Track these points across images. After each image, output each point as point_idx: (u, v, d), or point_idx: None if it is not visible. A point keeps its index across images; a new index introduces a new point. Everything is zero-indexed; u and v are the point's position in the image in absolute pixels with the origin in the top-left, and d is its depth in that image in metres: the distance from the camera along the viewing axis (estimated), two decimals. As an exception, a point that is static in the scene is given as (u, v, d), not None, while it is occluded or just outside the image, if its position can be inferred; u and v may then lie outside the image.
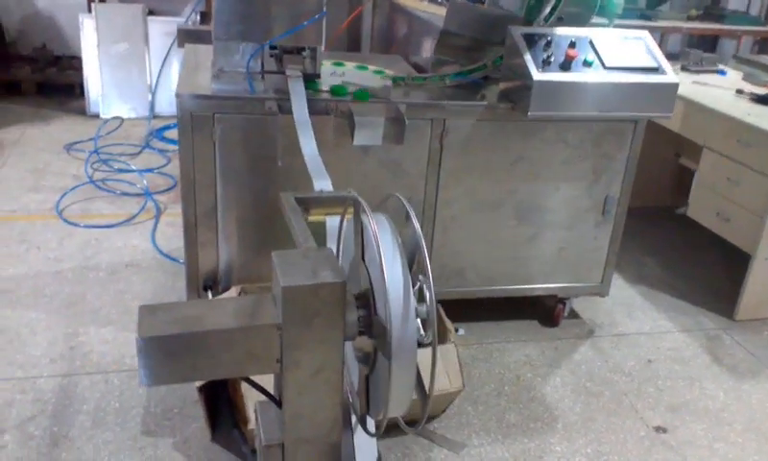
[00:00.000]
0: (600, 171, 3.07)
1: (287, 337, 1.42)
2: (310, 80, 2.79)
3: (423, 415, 1.61)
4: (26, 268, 3.46)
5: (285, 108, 2.62)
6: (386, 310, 1.37)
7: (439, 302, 3.02)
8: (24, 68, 6.17)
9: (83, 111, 5.73)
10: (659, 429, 2.71)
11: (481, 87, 3.02)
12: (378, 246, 1.40)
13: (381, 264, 1.37)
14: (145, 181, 4.42)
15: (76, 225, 3.90)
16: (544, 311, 3.34)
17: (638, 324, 3.42)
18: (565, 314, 3.32)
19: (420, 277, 1.59)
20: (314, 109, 2.62)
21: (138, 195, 4.32)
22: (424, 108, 2.84)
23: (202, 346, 1.39)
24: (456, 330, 3.17)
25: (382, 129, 2.77)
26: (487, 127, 2.91)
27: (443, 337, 2.66)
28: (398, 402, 1.45)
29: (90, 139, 5.05)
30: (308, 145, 2.39)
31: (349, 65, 3.01)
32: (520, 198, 3.05)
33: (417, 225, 1.53)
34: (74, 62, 6.15)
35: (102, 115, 5.64)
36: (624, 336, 3.30)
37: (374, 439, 1.77)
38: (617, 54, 2.80)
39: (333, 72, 2.90)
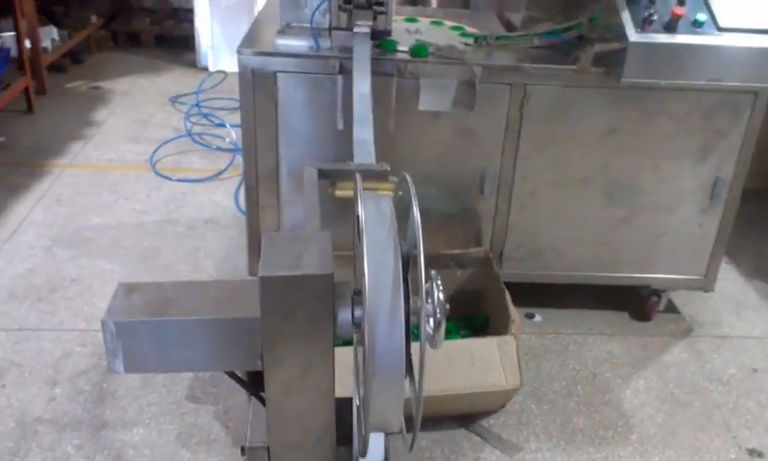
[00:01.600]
0: (709, 149, 2.66)
1: (267, 332, 1.26)
2: (384, 38, 2.58)
3: (416, 419, 1.42)
4: (111, 218, 3.53)
5: (348, 67, 2.43)
6: (363, 310, 1.17)
7: (512, 284, 2.78)
8: (143, 20, 6.34)
9: (193, 64, 5.82)
10: (753, 453, 2.34)
11: (575, 49, 2.67)
12: (362, 232, 1.20)
13: (363, 254, 1.17)
14: (235, 137, 4.39)
15: (166, 178, 3.94)
16: (637, 303, 2.99)
17: (748, 325, 3.00)
18: (660, 308, 2.95)
19: (433, 272, 1.37)
20: (379, 70, 2.42)
21: (230, 150, 4.31)
22: (502, 71, 2.56)
23: (174, 335, 1.27)
24: (531, 317, 2.92)
25: (452, 93, 2.52)
26: (575, 94, 2.59)
27: (502, 327, 2.42)
28: (380, 417, 1.25)
29: (194, 92, 5.10)
30: (361, 103, 2.16)
31: (424, 22, 2.77)
32: (612, 175, 2.71)
33: (416, 212, 1.31)
34: (190, 15, 6.24)
35: (210, 68, 5.70)
36: (728, 339, 2.90)
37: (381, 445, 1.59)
38: (736, 13, 2.38)
39: (406, 29, 2.67)
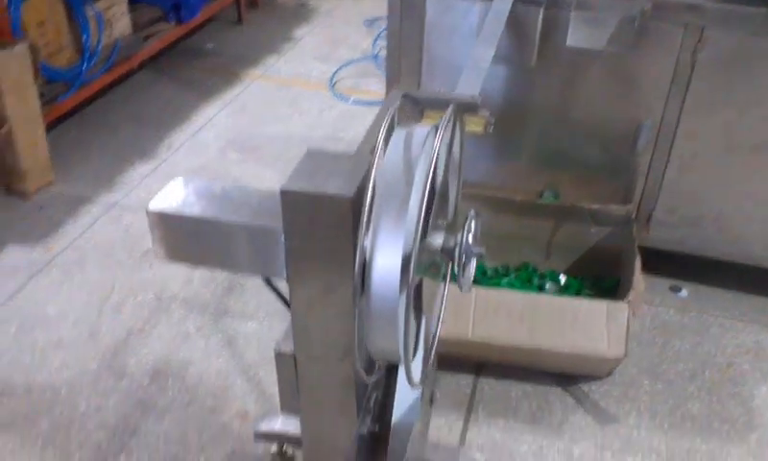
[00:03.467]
0: None
1: (290, 246, 1.28)
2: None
3: (425, 365, 1.38)
4: (283, 130, 3.75)
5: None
6: (367, 237, 1.14)
7: (662, 252, 2.55)
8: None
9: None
10: None
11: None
12: (378, 149, 1.15)
13: (371, 172, 1.13)
14: (415, 64, 4.38)
15: (341, 98, 4.08)
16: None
17: None
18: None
19: (472, 211, 1.30)
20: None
21: (409, 77, 4.33)
22: (677, 8, 2.28)
23: (208, 233, 1.33)
24: (677, 290, 2.66)
25: (609, 29, 2.30)
26: (763, 44, 2.24)
27: (621, 293, 2.23)
28: (377, 344, 1.23)
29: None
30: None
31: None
32: (794, 145, 2.34)
33: (459, 143, 1.22)
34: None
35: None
36: None
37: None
38: None
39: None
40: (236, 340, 2.42)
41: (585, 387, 2.26)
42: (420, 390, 1.54)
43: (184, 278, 2.67)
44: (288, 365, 1.46)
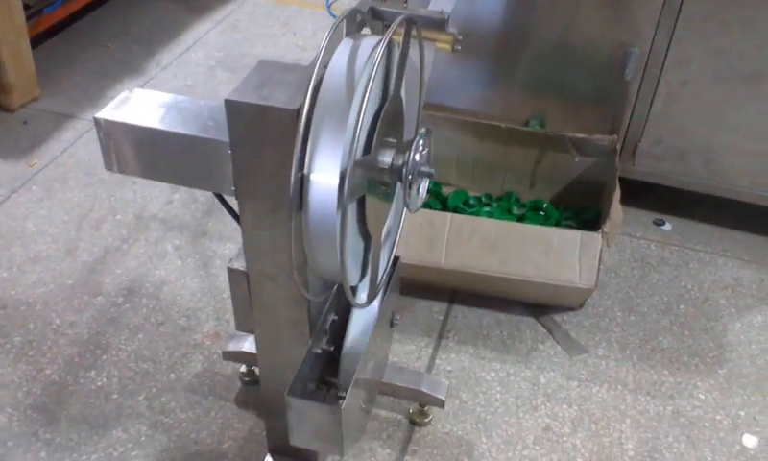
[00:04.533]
0: None
1: (237, 160, 1.26)
2: None
3: (373, 287, 1.37)
4: (274, 50, 3.67)
5: None
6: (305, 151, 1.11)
7: (647, 185, 2.52)
8: None
9: None
10: None
11: None
12: (319, 58, 1.11)
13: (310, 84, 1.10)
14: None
15: (335, 17, 3.97)
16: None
17: None
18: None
19: (424, 129, 1.26)
20: None
21: None
22: (667, -70, 2.18)
23: (157, 145, 1.31)
24: (660, 223, 2.63)
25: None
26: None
27: (593, 224, 2.20)
28: (317, 263, 1.21)
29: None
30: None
31: None
32: (788, 76, 2.26)
33: (420, 58, 1.18)
34: None
35: None
36: None
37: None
38: None
39: None
40: (213, 261, 2.42)
41: (557, 317, 2.26)
42: (374, 312, 1.53)
43: (165, 198, 2.66)
44: (241, 282, 1.46)
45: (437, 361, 2.10)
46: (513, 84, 2.63)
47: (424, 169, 1.25)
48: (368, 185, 1.22)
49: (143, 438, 1.87)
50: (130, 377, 2.02)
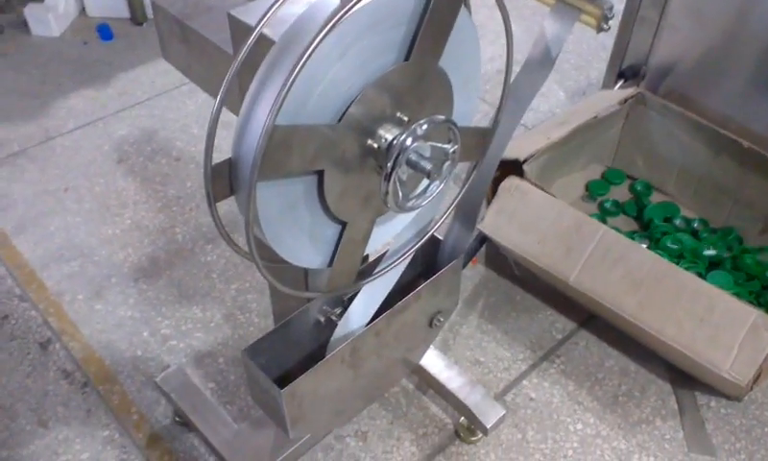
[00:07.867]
0: None
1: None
2: None
3: (344, 277, 1.15)
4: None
5: None
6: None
7: None
8: None
9: None
10: None
11: None
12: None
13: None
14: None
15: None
16: None
17: None
18: None
19: (442, 116, 0.99)
20: None
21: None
22: None
23: (196, 42, 1.24)
24: None
25: None
26: None
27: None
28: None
29: None
30: None
31: None
32: None
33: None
34: None
35: None
36: None
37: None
38: None
39: None
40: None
41: (702, 398, 1.77)
42: (363, 297, 1.31)
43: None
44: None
45: (524, 382, 1.80)
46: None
47: (413, 156, 0.99)
48: (330, 158, 0.99)
49: (212, 324, 1.92)
50: (234, 265, 2.07)
